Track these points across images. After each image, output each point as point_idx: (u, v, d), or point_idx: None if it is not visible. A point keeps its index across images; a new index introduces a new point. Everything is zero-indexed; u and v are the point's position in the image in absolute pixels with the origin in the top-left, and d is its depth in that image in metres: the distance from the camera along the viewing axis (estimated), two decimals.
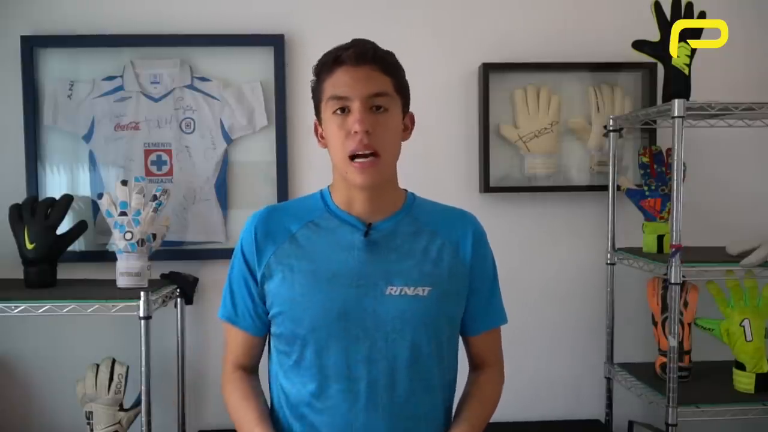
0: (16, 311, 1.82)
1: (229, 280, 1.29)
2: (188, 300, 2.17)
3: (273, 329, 1.26)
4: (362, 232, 1.22)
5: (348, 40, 1.23)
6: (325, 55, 1.21)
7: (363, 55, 1.17)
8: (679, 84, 1.89)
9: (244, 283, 1.26)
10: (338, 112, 1.17)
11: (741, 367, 1.92)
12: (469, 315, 1.30)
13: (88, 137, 2.19)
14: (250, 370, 1.32)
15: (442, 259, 1.24)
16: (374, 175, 1.18)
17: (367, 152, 1.16)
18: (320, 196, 1.29)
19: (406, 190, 1.31)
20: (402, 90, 1.23)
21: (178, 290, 2.11)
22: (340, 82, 1.17)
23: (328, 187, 1.29)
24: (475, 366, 1.36)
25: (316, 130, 1.27)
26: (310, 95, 1.27)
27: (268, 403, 1.30)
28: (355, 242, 1.21)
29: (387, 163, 1.20)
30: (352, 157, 1.17)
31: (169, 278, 2.13)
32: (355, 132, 1.15)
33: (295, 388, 1.23)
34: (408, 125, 1.28)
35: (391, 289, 1.19)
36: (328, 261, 1.21)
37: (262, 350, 1.32)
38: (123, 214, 1.96)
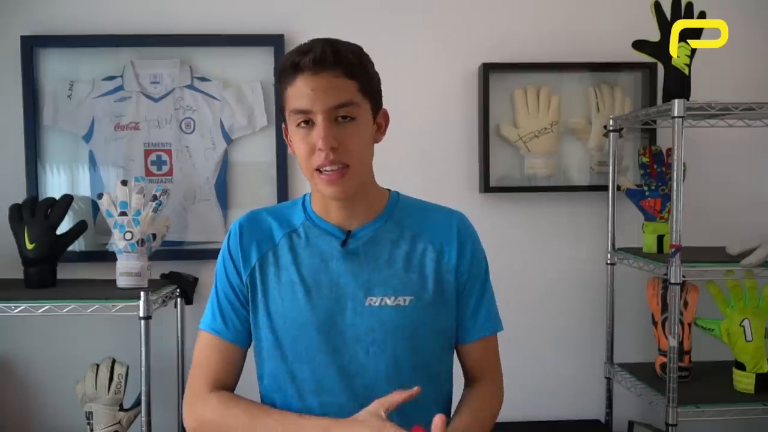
0: (16, 311, 1.82)
1: (216, 290, 1.22)
2: (188, 300, 2.17)
3: (254, 341, 1.21)
4: (340, 241, 1.17)
5: (347, 40, 1.15)
6: (284, 59, 1.12)
7: (322, 60, 1.07)
8: (679, 84, 1.89)
9: (232, 291, 1.20)
10: (302, 124, 1.10)
11: (741, 367, 1.92)
12: (459, 320, 1.22)
13: (88, 137, 2.19)
14: (228, 390, 1.20)
15: (425, 265, 1.18)
16: (343, 186, 1.11)
17: (334, 167, 1.09)
18: (302, 203, 1.23)
19: (389, 190, 1.25)
20: (370, 91, 1.13)
21: (178, 290, 2.12)
22: (300, 93, 1.08)
23: (310, 193, 1.23)
24: (469, 380, 1.28)
25: (285, 135, 1.19)
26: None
27: None
28: (333, 252, 1.16)
29: (357, 172, 1.12)
30: (319, 169, 1.10)
31: (169, 278, 2.13)
32: (320, 149, 1.08)
33: (278, 401, 1.18)
34: (381, 124, 1.19)
35: (371, 299, 1.14)
36: (307, 272, 1.16)
37: (242, 369, 1.23)
38: (123, 214, 1.96)
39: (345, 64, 1.09)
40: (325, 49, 1.08)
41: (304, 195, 1.25)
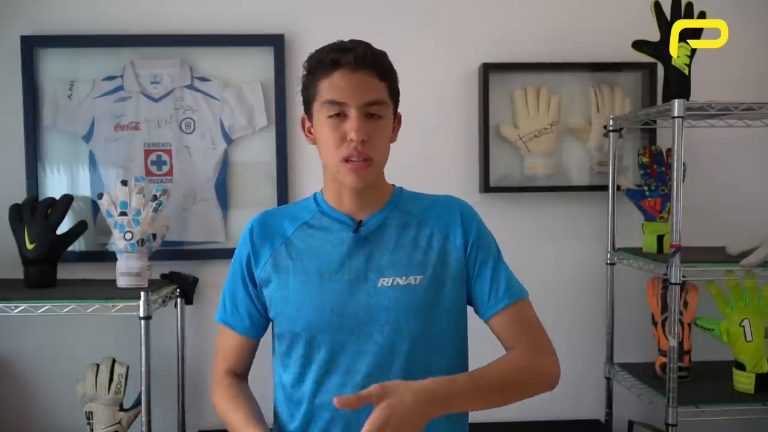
0: (16, 311, 1.82)
1: (227, 283, 1.31)
2: (188, 300, 2.17)
3: (274, 331, 1.29)
4: (352, 228, 1.24)
5: (347, 40, 1.22)
6: (322, 53, 1.20)
7: (362, 61, 1.17)
8: (679, 84, 1.89)
9: (243, 286, 1.28)
10: (334, 116, 1.18)
11: (741, 367, 1.92)
12: (478, 296, 1.26)
13: (88, 137, 2.19)
14: (240, 375, 1.33)
15: (432, 247, 1.25)
16: (365, 177, 1.20)
17: (360, 158, 1.18)
18: (313, 198, 1.31)
19: (393, 185, 1.32)
20: (394, 94, 1.24)
21: (178, 290, 2.12)
22: (337, 86, 1.17)
23: (321, 189, 1.31)
24: (507, 350, 1.26)
25: (303, 125, 1.27)
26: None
27: (271, 403, 1.31)
28: (345, 239, 1.24)
29: (378, 167, 1.22)
30: (347, 159, 1.18)
31: (169, 278, 2.13)
32: (351, 139, 1.16)
33: (295, 384, 1.24)
34: (395, 126, 1.28)
35: (383, 280, 1.21)
36: (320, 259, 1.23)
37: (254, 356, 1.33)
38: (123, 214, 1.96)
39: (380, 67, 1.20)
40: (366, 51, 1.19)
41: (315, 193, 1.32)
